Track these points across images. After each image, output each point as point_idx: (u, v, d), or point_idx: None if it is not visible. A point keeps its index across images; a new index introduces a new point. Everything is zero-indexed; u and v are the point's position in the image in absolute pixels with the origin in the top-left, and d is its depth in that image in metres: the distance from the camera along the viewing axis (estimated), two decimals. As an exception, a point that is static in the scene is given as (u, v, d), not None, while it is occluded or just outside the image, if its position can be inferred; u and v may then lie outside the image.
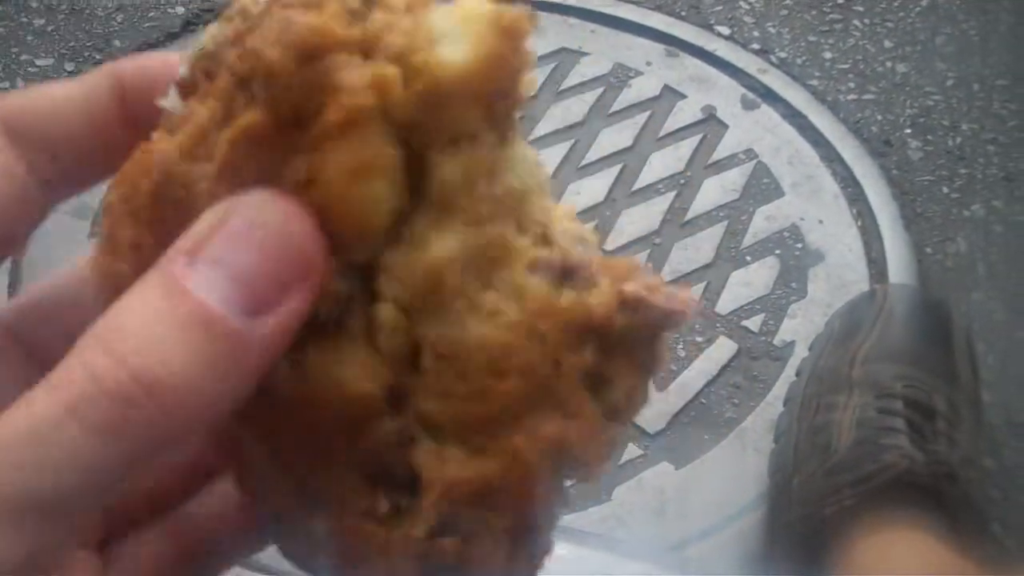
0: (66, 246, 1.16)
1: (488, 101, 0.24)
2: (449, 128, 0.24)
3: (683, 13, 1.38)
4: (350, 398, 0.24)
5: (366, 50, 0.23)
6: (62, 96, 0.28)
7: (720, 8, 1.39)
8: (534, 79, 0.25)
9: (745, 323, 1.08)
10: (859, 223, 1.17)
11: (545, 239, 0.25)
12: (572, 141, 1.26)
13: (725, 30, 1.37)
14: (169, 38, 1.36)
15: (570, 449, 0.25)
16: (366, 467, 0.25)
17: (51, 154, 0.28)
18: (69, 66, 1.32)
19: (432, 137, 0.24)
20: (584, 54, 1.34)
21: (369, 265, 0.24)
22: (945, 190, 1.20)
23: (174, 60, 0.27)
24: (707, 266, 1.14)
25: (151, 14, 1.38)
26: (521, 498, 0.25)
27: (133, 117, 0.28)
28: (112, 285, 0.25)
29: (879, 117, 1.27)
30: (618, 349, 0.25)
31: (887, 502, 0.77)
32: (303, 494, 0.26)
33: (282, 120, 0.23)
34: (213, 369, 0.22)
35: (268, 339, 0.23)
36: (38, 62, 1.33)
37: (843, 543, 0.75)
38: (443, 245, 0.24)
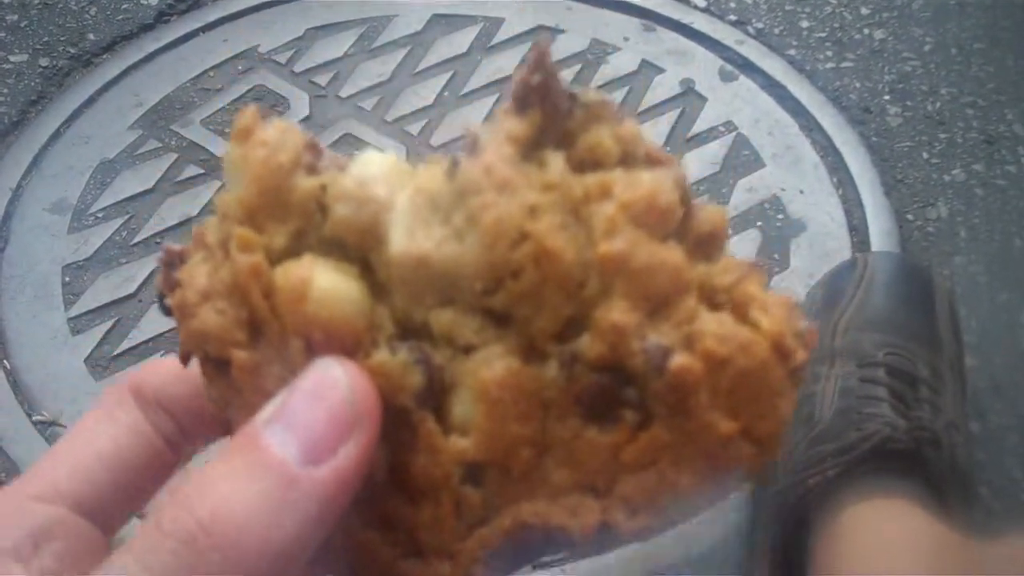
0: (44, 241, 1.16)
1: None
2: None
3: (659, -14, 1.38)
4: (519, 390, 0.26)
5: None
6: (175, 364, 0.31)
7: (696, -20, 1.38)
8: None
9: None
10: (840, 191, 1.17)
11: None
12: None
13: (702, 2, 1.36)
14: (143, 30, 1.35)
15: None
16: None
17: (171, 415, 0.32)
18: (43, 61, 1.32)
19: None
20: (560, 31, 1.33)
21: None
22: (925, 155, 1.19)
23: None
24: (689, 240, 1.13)
25: (124, 7, 1.37)
26: None
27: None
28: None
29: (858, 85, 1.27)
30: (569, 134, 0.28)
31: (870, 471, 0.77)
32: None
33: None
34: (272, 509, 0.24)
35: (326, 482, 0.25)
36: (12, 58, 1.32)
37: (827, 513, 0.75)
38: None
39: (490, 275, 0.25)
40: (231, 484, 0.25)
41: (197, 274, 0.28)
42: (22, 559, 0.27)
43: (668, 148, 1.21)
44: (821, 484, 0.77)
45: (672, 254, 0.26)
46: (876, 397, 0.82)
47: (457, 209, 0.26)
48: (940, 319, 0.91)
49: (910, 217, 1.14)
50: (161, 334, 1.08)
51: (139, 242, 1.16)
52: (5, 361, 1.06)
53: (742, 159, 1.20)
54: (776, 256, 1.11)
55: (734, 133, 1.23)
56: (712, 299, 0.27)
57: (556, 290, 0.25)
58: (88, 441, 0.31)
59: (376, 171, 0.27)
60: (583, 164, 0.27)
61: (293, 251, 0.27)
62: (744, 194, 1.17)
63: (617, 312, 0.25)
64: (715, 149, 1.22)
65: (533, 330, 0.26)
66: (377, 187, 0.27)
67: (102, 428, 0.31)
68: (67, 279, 1.13)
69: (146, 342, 1.07)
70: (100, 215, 1.19)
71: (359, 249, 0.27)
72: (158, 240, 1.16)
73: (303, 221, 0.27)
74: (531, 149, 0.26)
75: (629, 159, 0.27)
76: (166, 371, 0.33)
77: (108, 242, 1.16)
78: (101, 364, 1.06)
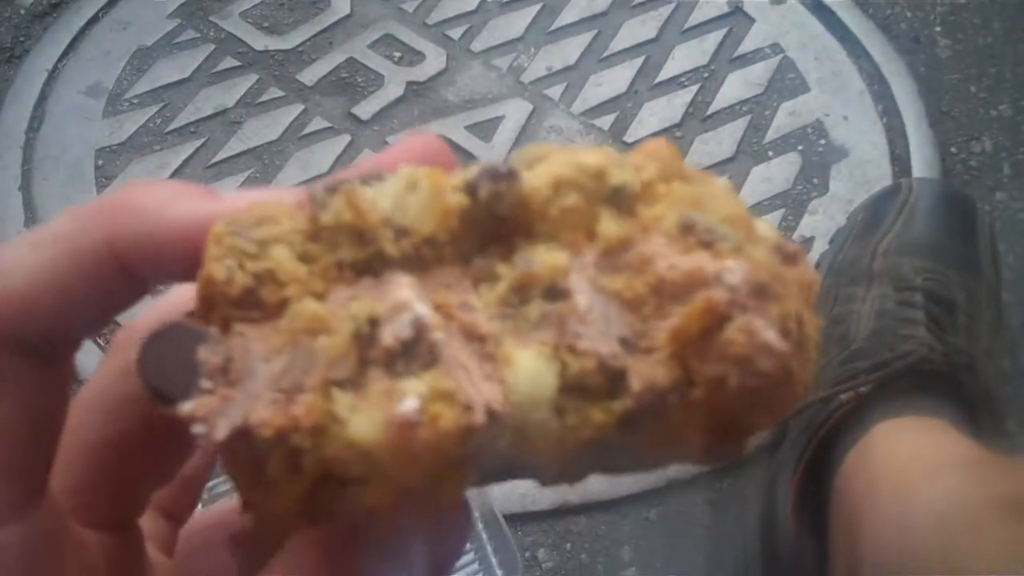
0: (79, 123, 1.15)
1: None
2: None
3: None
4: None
5: None
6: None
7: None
8: None
9: (765, 218, 1.07)
10: (884, 120, 1.15)
11: None
12: (595, 32, 1.23)
13: (754, -78, 1.33)
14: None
15: None
16: None
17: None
18: (83, -56, 1.30)
19: None
20: (609, -57, 1.31)
21: None
22: (973, 89, 1.17)
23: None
24: (728, 160, 1.12)
25: None
26: None
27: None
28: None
29: (909, 14, 1.24)
30: None
31: (903, 390, 0.76)
32: None
33: None
34: None
35: None
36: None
37: (858, 428, 0.75)
38: None
39: None
40: None
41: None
42: None
43: (713, 67, 1.19)
44: (853, 400, 0.76)
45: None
46: (913, 320, 0.81)
47: None
48: (981, 249, 0.90)
49: (954, 150, 1.13)
50: (192, 222, 1.07)
51: (173, 130, 1.15)
52: (36, 239, 1.06)
53: (787, 82, 1.18)
54: (816, 181, 1.10)
55: (780, 56, 1.21)
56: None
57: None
58: None
59: None
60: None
61: None
62: (787, 117, 1.15)
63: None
64: (760, 71, 1.20)
65: None
66: None
67: None
68: (100, 163, 1.12)
69: (177, 229, 1.07)
70: (135, 101, 1.18)
71: None
72: (192, 129, 1.15)
73: None
74: None
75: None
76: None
77: (142, 128, 1.15)
78: (132, 248, 1.06)
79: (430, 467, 0.22)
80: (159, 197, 0.24)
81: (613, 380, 0.23)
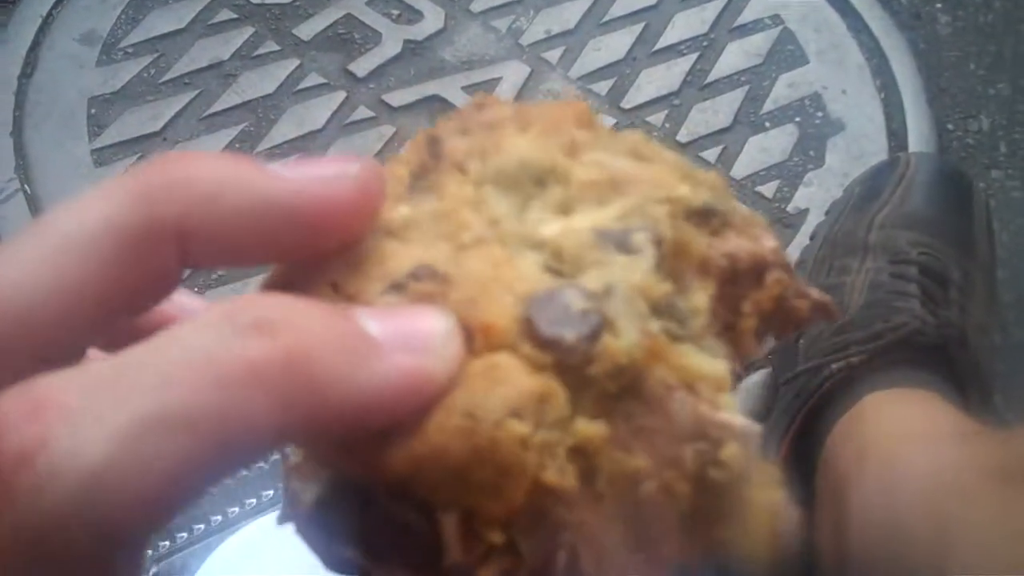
0: (72, 71, 1.14)
1: None
2: None
3: None
4: None
5: None
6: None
7: None
8: None
9: (759, 188, 1.07)
10: (882, 95, 1.14)
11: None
12: (594, -4, 1.23)
13: None
14: None
15: None
16: None
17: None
18: None
19: None
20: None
21: None
22: (972, 67, 1.17)
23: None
24: (725, 130, 1.12)
25: None
26: None
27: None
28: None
29: (910, -10, 1.24)
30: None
31: (894, 362, 0.76)
32: None
33: None
34: (348, 358, 0.20)
35: (406, 370, 0.21)
36: None
37: (848, 398, 0.75)
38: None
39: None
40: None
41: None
42: None
43: (712, 36, 1.19)
44: (844, 369, 0.76)
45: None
46: (906, 293, 0.81)
47: None
48: (977, 226, 0.90)
49: (950, 127, 1.13)
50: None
51: (168, 81, 1.14)
52: (26, 186, 1.05)
53: (786, 54, 1.18)
54: (812, 153, 1.10)
55: (780, 27, 1.20)
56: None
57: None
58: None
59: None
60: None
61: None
62: (785, 89, 1.15)
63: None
64: (759, 41, 1.19)
65: None
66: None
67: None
68: (93, 111, 1.11)
69: (169, 181, 1.06)
70: (130, 50, 1.16)
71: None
72: (186, 81, 1.14)
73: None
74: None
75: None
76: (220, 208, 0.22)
77: (136, 78, 1.14)
78: (123, 198, 1.05)
79: None
80: (223, 176, 0.22)
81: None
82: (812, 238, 0.94)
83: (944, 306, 0.82)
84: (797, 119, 1.12)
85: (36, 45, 1.16)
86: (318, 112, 1.12)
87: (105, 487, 0.17)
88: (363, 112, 1.12)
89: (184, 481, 0.18)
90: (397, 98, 1.13)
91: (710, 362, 0.24)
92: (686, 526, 0.23)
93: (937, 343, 0.77)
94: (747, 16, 1.21)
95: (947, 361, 0.78)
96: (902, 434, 0.68)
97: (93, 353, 0.25)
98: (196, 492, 0.19)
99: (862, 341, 0.77)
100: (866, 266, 0.85)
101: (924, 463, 0.63)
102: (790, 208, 1.05)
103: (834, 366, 0.77)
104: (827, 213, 0.96)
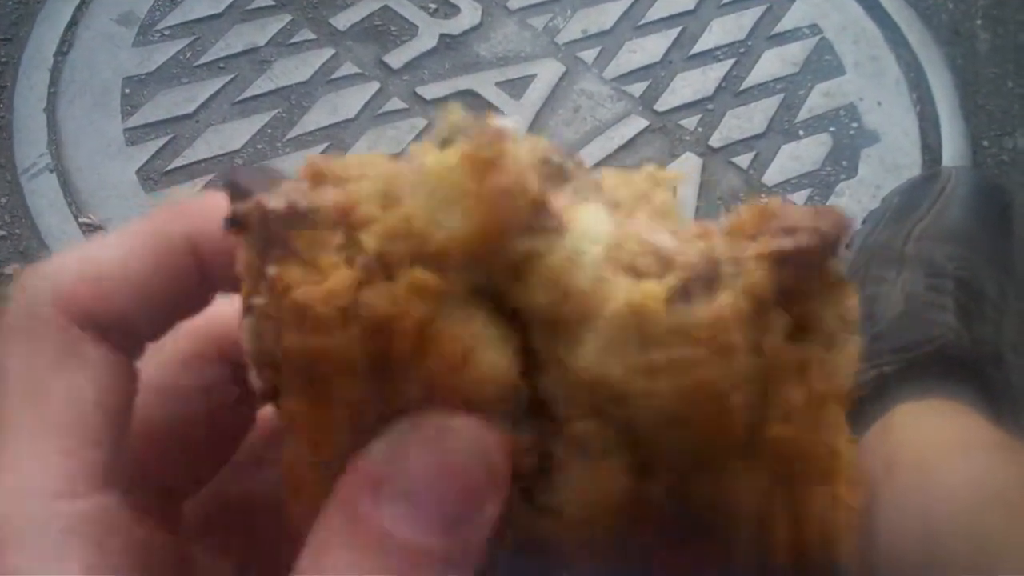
0: (108, 51, 1.14)
1: None
2: None
3: None
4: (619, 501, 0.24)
5: None
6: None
7: None
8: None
9: (791, 197, 1.06)
10: (918, 109, 1.14)
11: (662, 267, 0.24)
12: (632, 0, 1.22)
13: (800, -99, 1.32)
14: None
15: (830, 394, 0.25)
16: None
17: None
18: None
19: None
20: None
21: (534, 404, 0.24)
22: (1010, 84, 1.16)
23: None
24: (758, 136, 1.11)
25: None
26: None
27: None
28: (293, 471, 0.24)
29: (950, 6, 1.23)
30: (801, 296, 0.25)
31: (928, 374, 0.76)
32: None
33: None
34: None
35: (466, 547, 0.22)
36: None
37: (880, 408, 0.74)
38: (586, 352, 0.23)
39: (666, 422, 0.23)
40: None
41: (336, 275, 0.23)
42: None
43: (749, 43, 1.18)
44: (877, 379, 0.76)
45: (827, 438, 0.25)
46: (942, 306, 0.81)
47: (664, 346, 0.23)
48: (1015, 243, 0.90)
49: (986, 144, 1.12)
50: (214, 157, 1.06)
51: (203, 64, 1.14)
52: (58, 162, 1.05)
53: (823, 64, 1.17)
54: (845, 163, 1.09)
55: (818, 37, 1.20)
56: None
57: (709, 447, 0.24)
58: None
59: (592, 258, 0.23)
60: (793, 328, 0.25)
61: (461, 302, 0.23)
62: (821, 98, 1.14)
63: (750, 486, 0.24)
64: (796, 50, 1.19)
65: (657, 455, 0.24)
66: (585, 278, 0.23)
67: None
68: (127, 91, 1.11)
69: (199, 162, 1.06)
70: (166, 32, 1.16)
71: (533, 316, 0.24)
72: (221, 65, 1.14)
73: (490, 279, 0.24)
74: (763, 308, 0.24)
75: (835, 339, 0.25)
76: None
77: (171, 60, 1.14)
78: (152, 177, 1.05)
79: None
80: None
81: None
82: (848, 246, 0.94)
83: (979, 322, 0.81)
84: (831, 129, 1.12)
85: (73, 24, 1.16)
86: (351, 101, 1.12)
87: None
88: (396, 103, 1.12)
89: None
90: (430, 91, 1.13)
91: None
92: None
93: (971, 358, 0.77)
94: (785, 24, 1.20)
95: (980, 377, 0.77)
96: (935, 443, 0.67)
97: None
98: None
99: (895, 351, 0.77)
100: (902, 278, 0.84)
101: (961, 473, 0.62)
102: (822, 218, 1.05)
103: (867, 375, 0.76)
104: (864, 222, 0.95)
